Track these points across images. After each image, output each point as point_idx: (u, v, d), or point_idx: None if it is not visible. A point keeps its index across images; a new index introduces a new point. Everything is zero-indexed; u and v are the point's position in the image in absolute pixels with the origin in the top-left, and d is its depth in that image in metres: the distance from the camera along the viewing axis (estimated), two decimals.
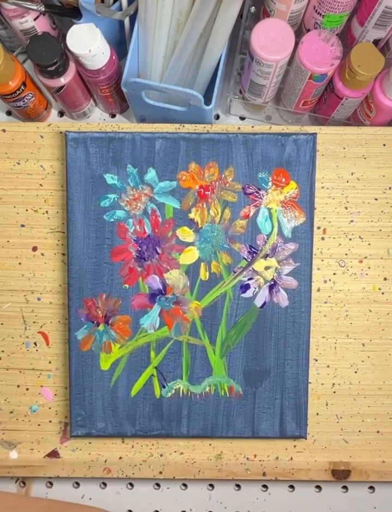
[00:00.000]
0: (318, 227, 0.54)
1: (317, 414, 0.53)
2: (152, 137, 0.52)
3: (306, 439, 0.52)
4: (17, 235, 0.54)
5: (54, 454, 0.53)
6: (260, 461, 0.53)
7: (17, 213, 0.54)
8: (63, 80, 0.52)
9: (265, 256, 0.52)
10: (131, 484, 0.56)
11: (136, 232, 0.52)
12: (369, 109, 0.53)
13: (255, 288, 0.52)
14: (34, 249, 0.54)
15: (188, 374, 0.52)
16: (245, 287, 0.52)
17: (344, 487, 0.56)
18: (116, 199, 0.52)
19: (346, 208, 0.54)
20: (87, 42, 0.47)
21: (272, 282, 0.52)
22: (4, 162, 0.55)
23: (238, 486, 0.56)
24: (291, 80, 0.53)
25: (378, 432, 0.53)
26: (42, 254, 0.54)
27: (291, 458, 0.53)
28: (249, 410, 0.52)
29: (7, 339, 0.54)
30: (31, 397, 0.53)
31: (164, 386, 0.52)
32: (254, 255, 0.52)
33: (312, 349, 0.53)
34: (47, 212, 0.54)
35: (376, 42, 0.51)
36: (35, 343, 0.54)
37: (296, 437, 0.52)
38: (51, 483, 0.56)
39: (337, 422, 0.53)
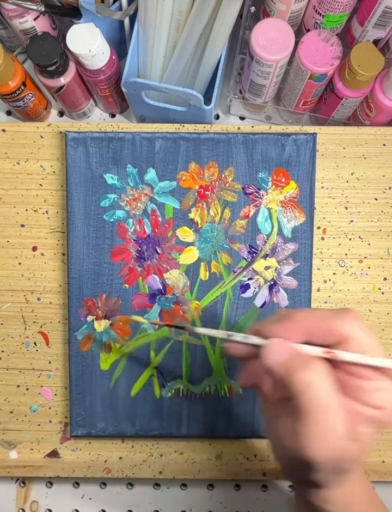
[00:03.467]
0: (318, 227, 0.54)
1: None
2: (152, 137, 0.52)
3: None
4: (17, 234, 0.54)
5: (54, 454, 0.53)
6: (260, 461, 0.53)
7: (17, 213, 0.54)
8: (63, 80, 0.52)
9: (265, 256, 0.52)
10: (131, 484, 0.56)
11: (136, 232, 0.52)
12: (369, 109, 0.53)
13: (255, 288, 0.52)
14: (34, 249, 0.54)
15: (187, 374, 0.52)
16: (245, 287, 0.52)
17: None
18: (116, 199, 0.52)
19: (346, 208, 0.54)
20: (87, 42, 0.47)
21: (272, 282, 0.52)
22: (4, 162, 0.55)
23: (238, 486, 0.56)
24: (291, 80, 0.53)
25: None
26: (42, 254, 0.54)
27: None
28: (249, 410, 0.51)
29: (7, 339, 0.54)
30: (31, 397, 0.53)
31: (164, 386, 0.52)
32: (254, 255, 0.52)
33: None
34: (47, 212, 0.54)
35: (376, 42, 0.51)
36: (35, 343, 0.54)
37: None
38: (51, 483, 0.56)
39: None
